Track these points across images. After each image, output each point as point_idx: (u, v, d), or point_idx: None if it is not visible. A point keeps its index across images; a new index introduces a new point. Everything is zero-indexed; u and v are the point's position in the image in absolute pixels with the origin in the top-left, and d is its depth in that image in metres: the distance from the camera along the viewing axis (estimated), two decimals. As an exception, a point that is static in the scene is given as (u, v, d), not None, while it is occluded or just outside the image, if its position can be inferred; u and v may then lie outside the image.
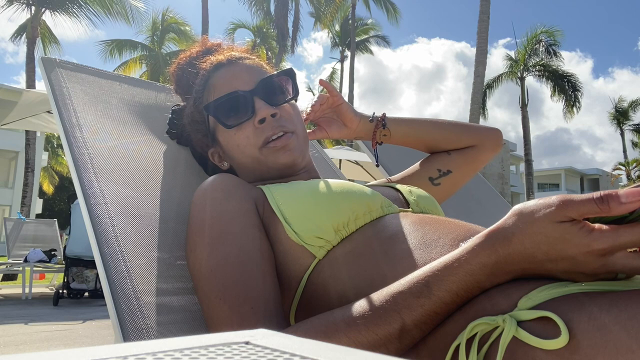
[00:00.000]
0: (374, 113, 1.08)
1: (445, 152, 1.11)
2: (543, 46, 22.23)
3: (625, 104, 32.14)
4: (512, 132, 23.27)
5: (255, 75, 0.93)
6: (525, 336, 0.47)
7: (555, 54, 22.43)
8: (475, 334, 0.51)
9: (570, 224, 0.50)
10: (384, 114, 1.08)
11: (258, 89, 0.90)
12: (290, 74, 0.96)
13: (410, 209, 0.86)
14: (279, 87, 0.93)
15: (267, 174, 0.91)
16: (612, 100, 33.11)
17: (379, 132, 1.06)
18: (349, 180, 1.03)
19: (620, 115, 32.06)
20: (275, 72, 0.95)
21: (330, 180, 0.83)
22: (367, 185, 0.91)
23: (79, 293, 6.16)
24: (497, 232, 0.54)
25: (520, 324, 0.49)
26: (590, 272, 0.50)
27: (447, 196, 1.12)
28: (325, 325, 0.59)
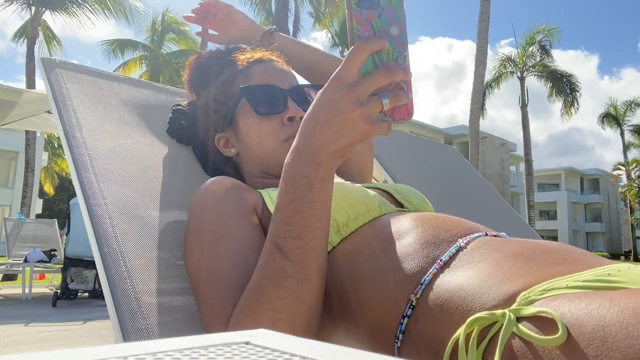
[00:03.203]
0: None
1: None
2: (537, 47, 22.27)
3: (618, 107, 32.30)
4: (521, 132, 23.57)
5: (290, 79, 0.99)
6: (524, 332, 0.47)
7: (547, 53, 22.44)
8: (474, 328, 0.51)
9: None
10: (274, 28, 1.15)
11: (292, 91, 0.95)
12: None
13: (405, 208, 0.86)
14: (310, 96, 0.98)
15: (275, 169, 0.93)
16: (610, 102, 33.20)
17: (266, 38, 1.10)
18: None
19: (612, 118, 32.15)
20: (308, 84, 1.02)
21: None
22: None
23: (75, 293, 6.16)
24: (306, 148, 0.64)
25: (519, 320, 0.49)
26: (356, 119, 0.60)
27: (370, 150, 1.17)
28: (243, 301, 0.64)
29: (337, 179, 1.07)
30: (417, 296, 0.61)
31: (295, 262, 0.63)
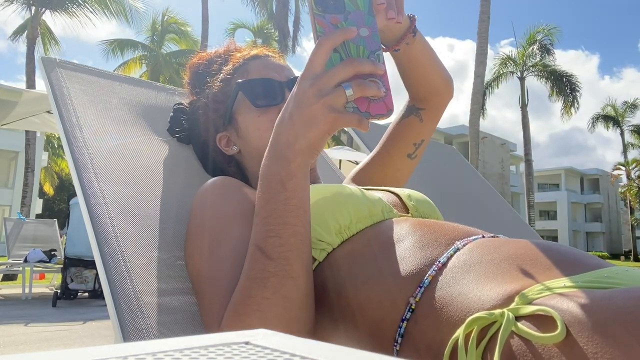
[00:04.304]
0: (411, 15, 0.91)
1: (417, 119, 1.03)
2: (538, 47, 22.26)
3: (618, 107, 32.37)
4: (521, 132, 23.66)
5: (287, 72, 0.99)
6: (523, 330, 0.47)
7: (548, 51, 22.42)
8: (474, 328, 0.51)
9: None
10: (414, 17, 0.92)
11: (290, 83, 0.96)
12: None
13: (409, 214, 0.86)
14: None
15: None
16: (607, 102, 33.27)
17: (408, 37, 0.90)
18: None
19: (610, 119, 32.22)
20: None
21: (332, 185, 0.83)
22: (367, 190, 0.92)
23: (75, 293, 6.16)
24: (280, 150, 0.65)
25: (518, 319, 0.49)
26: (320, 110, 0.60)
27: (417, 163, 1.09)
28: (231, 304, 0.64)
29: (350, 185, 1.06)
30: (417, 299, 0.61)
31: (277, 261, 0.63)
